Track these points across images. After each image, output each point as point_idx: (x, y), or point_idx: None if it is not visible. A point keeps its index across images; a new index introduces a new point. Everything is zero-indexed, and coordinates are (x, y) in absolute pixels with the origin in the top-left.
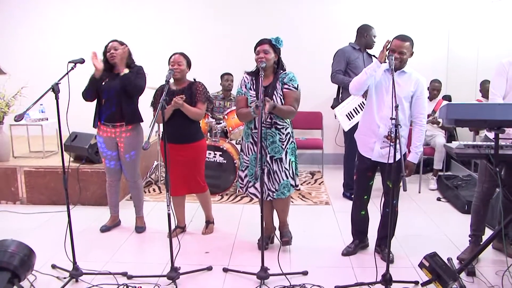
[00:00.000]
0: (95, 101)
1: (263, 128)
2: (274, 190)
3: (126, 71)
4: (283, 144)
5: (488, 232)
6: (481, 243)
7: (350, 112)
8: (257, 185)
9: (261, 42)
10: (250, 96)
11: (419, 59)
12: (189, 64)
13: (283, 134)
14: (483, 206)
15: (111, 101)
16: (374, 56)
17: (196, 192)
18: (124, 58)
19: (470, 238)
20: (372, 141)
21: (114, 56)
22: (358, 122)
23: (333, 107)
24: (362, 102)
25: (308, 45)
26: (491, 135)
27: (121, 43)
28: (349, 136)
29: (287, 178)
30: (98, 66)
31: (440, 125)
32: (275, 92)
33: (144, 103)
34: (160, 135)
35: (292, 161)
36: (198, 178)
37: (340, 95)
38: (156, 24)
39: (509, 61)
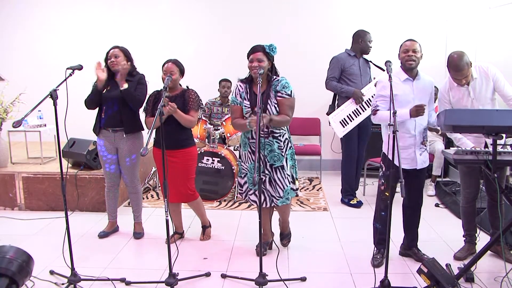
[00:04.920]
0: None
1: (260, 137)
2: (278, 197)
3: (126, 86)
4: (283, 151)
5: (484, 237)
6: (476, 241)
7: (344, 119)
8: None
9: (254, 50)
10: (245, 106)
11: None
12: (182, 72)
13: (281, 141)
14: (470, 208)
15: (112, 109)
16: (371, 61)
17: (186, 202)
18: (125, 74)
19: (464, 238)
20: (412, 151)
21: (115, 64)
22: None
23: (328, 114)
24: (356, 109)
25: (306, 52)
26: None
27: (122, 49)
28: (346, 142)
29: (289, 183)
30: (101, 77)
31: (440, 133)
32: (269, 101)
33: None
34: (152, 142)
35: (292, 166)
36: (188, 185)
37: (336, 102)
38: (156, 30)
39: (446, 88)
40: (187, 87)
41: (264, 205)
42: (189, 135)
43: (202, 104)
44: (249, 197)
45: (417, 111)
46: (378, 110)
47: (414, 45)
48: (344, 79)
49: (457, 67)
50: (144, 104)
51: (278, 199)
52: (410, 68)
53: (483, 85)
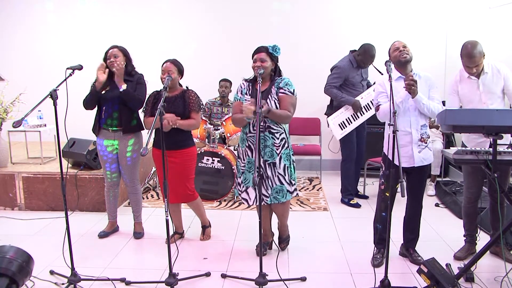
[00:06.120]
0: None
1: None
2: (267, 194)
3: (124, 86)
4: (277, 149)
5: (484, 237)
6: (476, 241)
7: (343, 122)
8: (249, 190)
9: (258, 50)
10: (245, 100)
11: (417, 65)
12: (180, 72)
13: (277, 139)
14: (472, 208)
15: (112, 108)
16: (372, 64)
17: (186, 202)
18: (122, 74)
19: (465, 238)
20: (409, 149)
21: (114, 64)
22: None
23: (326, 114)
24: (354, 113)
25: (306, 52)
26: (469, 144)
27: (121, 49)
28: (344, 142)
29: (281, 183)
30: (100, 78)
31: (440, 129)
32: (269, 96)
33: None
34: (152, 142)
35: (287, 167)
36: (188, 185)
37: (334, 103)
38: (156, 30)
39: (456, 79)
40: (187, 87)
41: (256, 203)
42: (188, 135)
43: (202, 104)
44: (241, 196)
45: (408, 85)
46: (380, 105)
47: (403, 43)
48: (346, 88)
49: (470, 54)
50: (144, 104)
51: (267, 197)
52: (405, 62)
53: (493, 81)
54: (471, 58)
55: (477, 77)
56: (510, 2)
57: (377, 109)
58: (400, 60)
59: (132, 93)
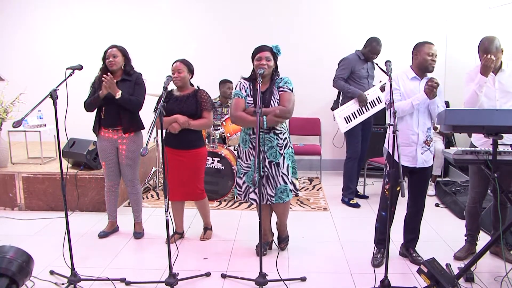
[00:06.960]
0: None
1: (261, 133)
2: (272, 194)
3: (119, 95)
4: (281, 149)
5: (484, 237)
6: (477, 241)
7: (349, 116)
8: (257, 190)
9: (262, 49)
10: (248, 102)
11: None
12: (191, 71)
13: (281, 139)
14: (476, 208)
15: (112, 109)
16: (377, 64)
17: (193, 200)
18: (113, 84)
19: (466, 238)
20: (413, 149)
21: (113, 64)
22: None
23: (333, 109)
24: (360, 108)
25: (306, 52)
26: (477, 142)
27: (120, 49)
28: (350, 140)
29: (285, 183)
30: (105, 91)
31: (438, 130)
32: (272, 97)
33: (145, 107)
34: (159, 141)
35: (290, 166)
36: (197, 185)
37: (341, 98)
38: (156, 30)
39: (476, 71)
40: (198, 87)
41: (263, 202)
42: (199, 136)
43: (214, 104)
44: (248, 197)
45: (430, 87)
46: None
47: (435, 50)
48: (352, 81)
49: (487, 49)
50: (142, 105)
51: (273, 197)
52: (430, 71)
53: (510, 80)
54: (487, 53)
55: (494, 73)
56: (510, 2)
57: (390, 105)
58: (428, 67)
59: (128, 98)
